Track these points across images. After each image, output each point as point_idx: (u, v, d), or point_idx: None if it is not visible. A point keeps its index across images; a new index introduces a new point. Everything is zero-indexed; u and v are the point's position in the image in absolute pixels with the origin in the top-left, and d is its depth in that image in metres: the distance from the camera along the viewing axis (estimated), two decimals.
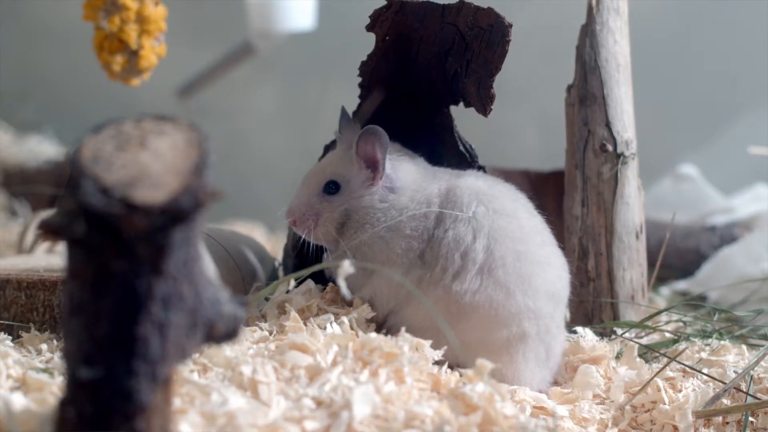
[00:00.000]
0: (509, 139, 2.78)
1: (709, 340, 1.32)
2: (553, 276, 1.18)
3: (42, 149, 2.73)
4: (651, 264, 1.47)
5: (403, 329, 1.07)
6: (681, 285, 1.96)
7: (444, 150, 1.33)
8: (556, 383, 1.21)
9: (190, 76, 2.49)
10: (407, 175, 1.20)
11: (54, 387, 0.92)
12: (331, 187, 1.21)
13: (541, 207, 1.24)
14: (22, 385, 0.95)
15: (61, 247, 0.91)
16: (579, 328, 1.30)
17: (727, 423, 1.10)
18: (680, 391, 1.15)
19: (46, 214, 1.61)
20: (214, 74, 2.45)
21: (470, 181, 1.20)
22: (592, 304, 1.41)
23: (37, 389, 0.93)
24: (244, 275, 1.32)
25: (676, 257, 2.01)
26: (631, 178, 1.42)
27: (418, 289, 1.13)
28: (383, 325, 1.18)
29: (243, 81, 2.87)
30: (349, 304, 1.20)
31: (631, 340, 1.31)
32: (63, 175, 2.31)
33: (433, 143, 1.33)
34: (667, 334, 1.38)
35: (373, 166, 1.19)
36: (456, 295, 1.13)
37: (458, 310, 1.13)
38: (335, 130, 1.28)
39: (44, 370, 0.99)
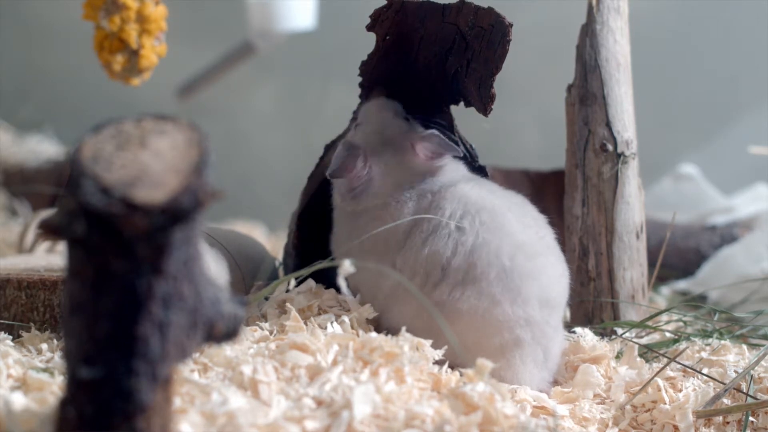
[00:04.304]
0: (509, 139, 2.77)
1: (710, 340, 1.32)
2: (547, 284, 1.15)
3: (42, 149, 2.72)
4: (651, 264, 1.47)
5: (403, 329, 1.07)
6: (681, 285, 1.95)
7: None
8: (556, 383, 1.21)
9: (190, 76, 2.48)
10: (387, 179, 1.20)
11: (54, 387, 0.92)
12: None
13: (542, 207, 1.24)
14: (22, 384, 0.95)
15: (61, 247, 0.91)
16: (579, 328, 1.29)
17: (728, 423, 1.11)
18: (680, 390, 1.15)
19: (46, 213, 1.61)
20: (214, 74, 2.45)
21: (462, 190, 1.18)
22: (593, 304, 1.41)
23: (37, 389, 0.93)
24: (245, 275, 1.32)
25: (677, 257, 2.01)
26: (631, 177, 1.42)
27: (398, 296, 1.13)
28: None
29: (243, 81, 2.87)
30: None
31: (631, 340, 1.31)
32: (63, 174, 2.31)
33: None
34: (668, 334, 1.38)
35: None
36: (437, 304, 1.11)
37: (443, 316, 1.11)
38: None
39: (44, 370, 0.99)
